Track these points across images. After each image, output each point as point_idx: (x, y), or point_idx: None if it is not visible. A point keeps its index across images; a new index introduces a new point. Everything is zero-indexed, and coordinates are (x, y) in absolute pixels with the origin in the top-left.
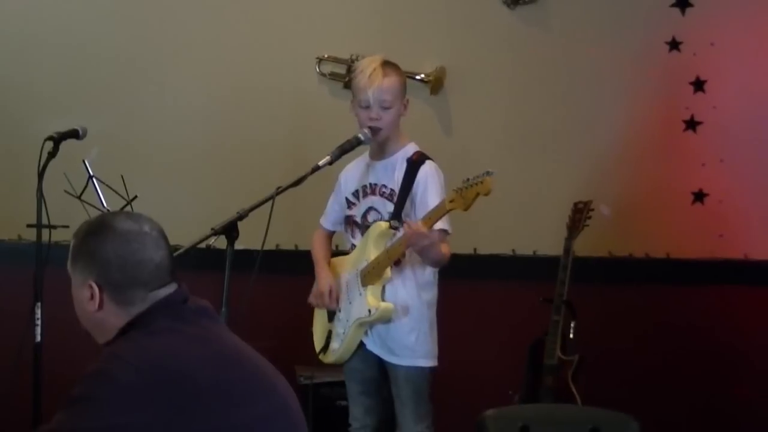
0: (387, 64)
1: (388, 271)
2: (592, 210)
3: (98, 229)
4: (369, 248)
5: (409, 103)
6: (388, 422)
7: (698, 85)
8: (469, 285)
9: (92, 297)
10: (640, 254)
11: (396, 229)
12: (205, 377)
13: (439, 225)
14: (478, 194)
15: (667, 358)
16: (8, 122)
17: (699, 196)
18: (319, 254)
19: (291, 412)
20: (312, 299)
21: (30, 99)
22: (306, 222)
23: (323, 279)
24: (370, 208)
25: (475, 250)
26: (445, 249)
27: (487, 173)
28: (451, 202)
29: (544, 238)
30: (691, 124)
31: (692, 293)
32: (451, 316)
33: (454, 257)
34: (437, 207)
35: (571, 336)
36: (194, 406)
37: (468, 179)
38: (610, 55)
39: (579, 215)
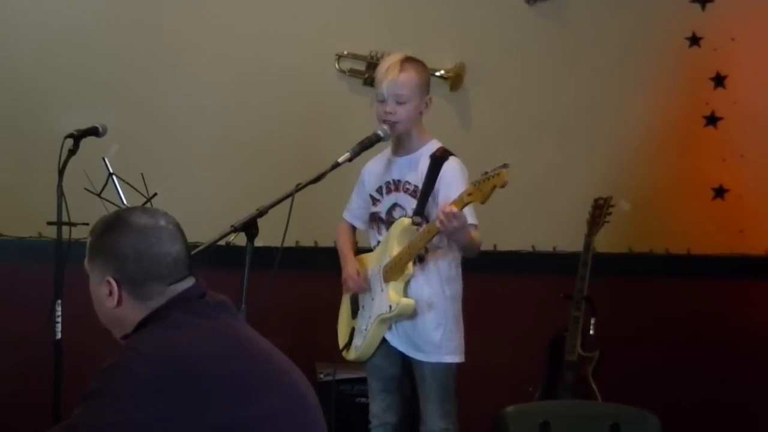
0: (408, 60)
1: (410, 267)
2: (612, 206)
3: (114, 225)
4: (392, 244)
5: (431, 101)
6: (408, 419)
7: (718, 80)
8: (489, 281)
9: (111, 293)
10: (661, 250)
11: (419, 224)
12: (221, 370)
13: (471, 220)
14: (494, 186)
15: (687, 353)
16: (29, 120)
17: (719, 192)
18: (344, 245)
19: (308, 408)
20: (344, 287)
21: (50, 97)
22: (325, 218)
23: (348, 265)
24: (395, 205)
25: (494, 246)
26: (476, 235)
27: (504, 165)
28: (469, 195)
29: (563, 234)
30: (712, 120)
31: (713, 289)
32: (470, 312)
33: None
34: (456, 199)
35: (591, 332)
36: (209, 398)
37: (486, 172)
38: (630, 50)
39: (599, 211)
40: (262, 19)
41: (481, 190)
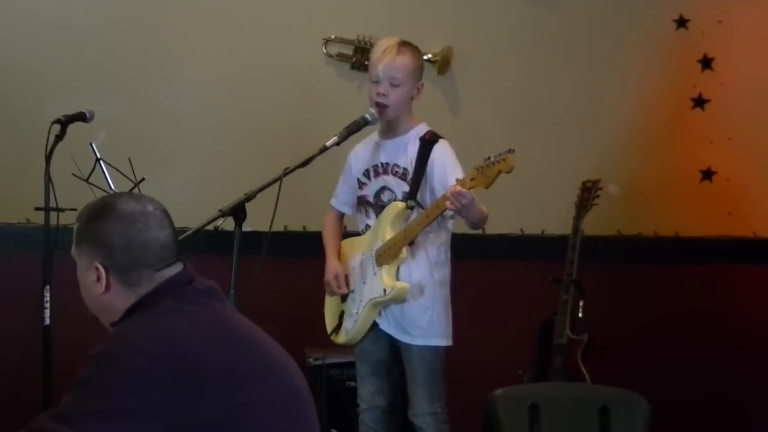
0: (405, 44)
1: (404, 251)
2: (601, 189)
3: (101, 211)
4: (385, 228)
5: (423, 88)
6: (396, 404)
7: (706, 62)
8: (478, 265)
9: (99, 279)
10: (649, 233)
11: (412, 208)
12: (212, 358)
13: None
14: (500, 172)
15: (675, 336)
16: (16, 106)
17: (707, 174)
18: (327, 241)
19: (299, 393)
20: (326, 289)
21: (37, 83)
22: (314, 203)
23: (329, 267)
24: (383, 188)
25: (483, 230)
26: (483, 207)
27: (509, 151)
28: (472, 180)
29: (552, 218)
30: (699, 102)
31: (701, 271)
32: (459, 297)
33: (462, 238)
34: (460, 181)
35: (580, 315)
36: (200, 387)
37: (489, 157)
38: (617, 33)
39: (587, 194)
40: (249, 4)
41: (486, 175)
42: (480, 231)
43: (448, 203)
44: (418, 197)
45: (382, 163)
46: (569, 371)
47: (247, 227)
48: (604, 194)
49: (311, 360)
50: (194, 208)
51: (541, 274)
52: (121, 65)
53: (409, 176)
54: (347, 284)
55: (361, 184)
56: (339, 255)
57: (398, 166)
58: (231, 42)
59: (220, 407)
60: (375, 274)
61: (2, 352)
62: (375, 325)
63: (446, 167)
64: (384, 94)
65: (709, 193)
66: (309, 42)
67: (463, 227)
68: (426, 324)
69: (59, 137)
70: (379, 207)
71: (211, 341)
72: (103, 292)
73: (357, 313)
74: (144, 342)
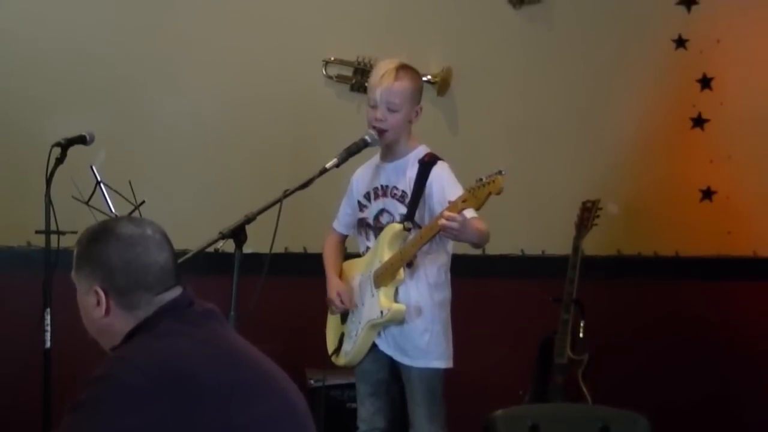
0: (403, 68)
1: (401, 273)
2: (601, 209)
3: (101, 235)
4: (383, 250)
5: (421, 110)
6: (396, 424)
7: (705, 82)
8: (479, 285)
9: (99, 303)
10: (649, 252)
11: (409, 230)
12: (211, 378)
13: (471, 214)
14: (490, 193)
15: (676, 356)
16: (16, 129)
17: (707, 194)
18: (328, 261)
19: (299, 415)
20: (329, 308)
21: (37, 105)
22: (314, 224)
23: (331, 285)
24: (383, 210)
25: (483, 250)
26: (480, 225)
27: (499, 172)
28: (464, 201)
29: (552, 238)
30: (699, 122)
31: (701, 291)
32: (460, 317)
33: (463, 258)
34: (451, 205)
35: (581, 335)
36: (199, 407)
37: (481, 179)
38: (616, 53)
39: (587, 214)
40: (249, 26)
41: (476, 196)
42: (480, 251)
43: (441, 234)
44: (418, 219)
45: (381, 186)
46: (570, 391)
47: (247, 249)
48: (604, 214)
49: (312, 381)
50: (195, 229)
51: (541, 294)
52: (120, 86)
53: (408, 199)
54: (350, 301)
55: (361, 207)
56: (340, 276)
57: (397, 189)
58: (231, 63)
59: (220, 424)
60: (373, 296)
61: (3, 374)
62: (375, 345)
63: (445, 188)
64: (381, 119)
65: (709, 212)
66: (309, 63)
67: (463, 248)
68: (425, 345)
69: (59, 160)
70: (378, 229)
71: (209, 361)
72: (103, 316)
73: (355, 335)
74: (143, 361)
